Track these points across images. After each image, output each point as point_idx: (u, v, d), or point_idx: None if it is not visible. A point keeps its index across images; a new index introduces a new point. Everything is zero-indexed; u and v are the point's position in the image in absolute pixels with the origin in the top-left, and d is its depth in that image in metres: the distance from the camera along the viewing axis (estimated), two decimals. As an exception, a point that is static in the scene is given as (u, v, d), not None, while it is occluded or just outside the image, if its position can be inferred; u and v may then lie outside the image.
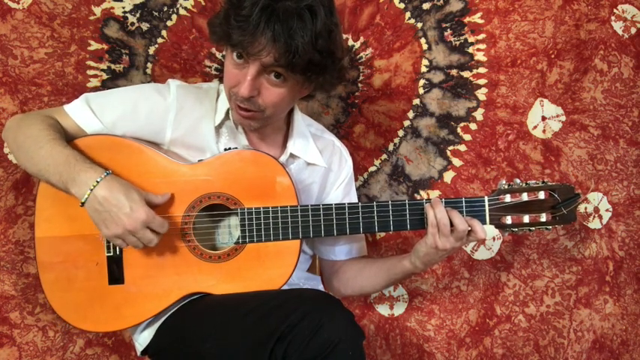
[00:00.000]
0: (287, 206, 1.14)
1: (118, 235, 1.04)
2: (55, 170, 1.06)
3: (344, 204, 1.15)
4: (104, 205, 1.03)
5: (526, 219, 1.17)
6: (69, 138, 1.13)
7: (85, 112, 1.16)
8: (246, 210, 1.13)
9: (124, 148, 1.15)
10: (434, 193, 1.55)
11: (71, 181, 1.04)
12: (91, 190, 1.03)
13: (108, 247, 1.13)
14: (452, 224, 1.10)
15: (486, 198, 1.15)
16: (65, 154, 1.06)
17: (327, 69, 1.08)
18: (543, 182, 1.17)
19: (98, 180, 1.04)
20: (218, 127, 1.20)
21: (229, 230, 1.20)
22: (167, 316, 1.17)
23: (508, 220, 1.16)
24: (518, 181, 1.16)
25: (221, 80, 1.24)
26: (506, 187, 1.16)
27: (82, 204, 1.04)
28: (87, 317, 1.15)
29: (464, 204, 1.15)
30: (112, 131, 1.15)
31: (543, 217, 1.17)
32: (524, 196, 1.16)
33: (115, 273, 1.14)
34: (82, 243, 1.12)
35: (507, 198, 1.16)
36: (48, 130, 1.10)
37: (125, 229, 1.04)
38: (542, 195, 1.17)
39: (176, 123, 1.17)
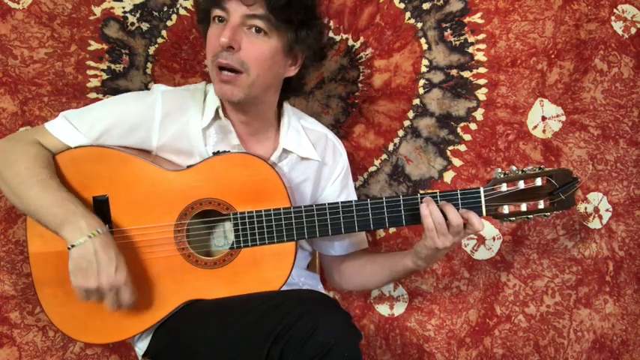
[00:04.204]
0: (280, 208, 1.12)
1: (90, 287, 1.02)
2: (48, 212, 1.05)
3: (337, 203, 1.14)
4: (94, 256, 1.02)
5: (524, 207, 1.14)
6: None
7: (67, 128, 1.15)
8: (238, 214, 1.12)
9: (111, 158, 1.14)
10: (434, 193, 1.55)
11: (67, 223, 1.03)
12: (90, 237, 1.02)
13: None
14: (446, 219, 1.09)
15: (482, 189, 1.13)
16: (60, 198, 1.05)
17: (308, 20, 1.10)
18: (540, 168, 1.14)
19: (100, 231, 1.03)
20: (206, 129, 1.18)
21: (224, 235, 1.20)
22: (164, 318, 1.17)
23: (505, 209, 1.14)
24: (514, 168, 1.14)
25: (209, 80, 1.24)
26: (502, 175, 1.14)
27: (72, 246, 1.02)
28: (87, 330, 1.15)
29: (459, 196, 1.12)
30: (97, 143, 1.15)
31: (541, 204, 1.15)
32: (521, 184, 1.13)
33: None
34: None
35: (503, 187, 1.13)
36: (35, 169, 1.08)
37: (101, 284, 1.02)
38: (539, 182, 1.14)
39: (162, 129, 1.16)
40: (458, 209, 1.10)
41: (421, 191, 1.56)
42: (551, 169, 1.15)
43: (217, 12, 1.08)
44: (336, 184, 1.31)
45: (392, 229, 1.56)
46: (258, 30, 1.07)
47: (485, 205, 1.13)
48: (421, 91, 1.54)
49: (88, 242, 1.02)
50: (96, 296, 1.04)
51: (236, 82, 1.10)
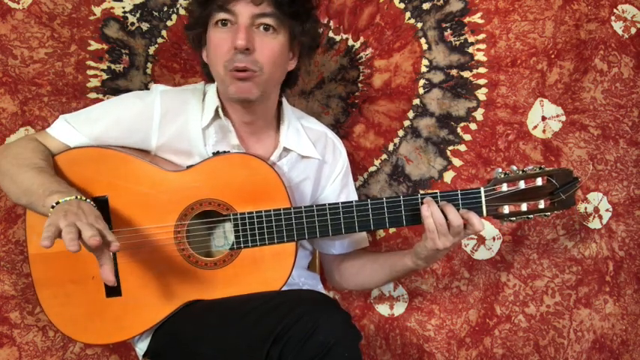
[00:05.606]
0: (280, 209, 1.12)
1: (65, 222, 0.90)
2: (39, 186, 1.01)
3: (338, 203, 1.13)
4: (79, 207, 0.96)
5: (524, 207, 1.14)
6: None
7: (67, 129, 1.15)
8: (238, 215, 1.12)
9: (110, 158, 1.14)
10: (434, 193, 1.55)
11: (58, 193, 0.99)
12: (77, 198, 0.98)
13: None
14: (446, 219, 1.09)
15: (482, 189, 1.13)
16: (55, 179, 1.04)
17: (311, 10, 1.14)
18: (540, 168, 1.14)
19: (90, 201, 1.01)
20: (205, 129, 1.18)
21: (224, 235, 1.20)
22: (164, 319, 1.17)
23: (505, 209, 1.14)
24: (514, 168, 1.14)
25: (206, 81, 1.24)
26: (502, 176, 1.13)
27: (57, 203, 0.96)
28: (87, 330, 1.15)
29: (459, 197, 1.12)
30: (96, 143, 1.15)
31: (542, 204, 1.15)
32: (522, 184, 1.13)
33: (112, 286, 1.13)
34: (77, 257, 1.09)
35: (504, 187, 1.13)
36: (34, 159, 1.08)
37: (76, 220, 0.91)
38: (539, 181, 1.14)
39: (161, 129, 1.17)
40: (458, 209, 1.10)
41: (421, 191, 1.56)
42: (551, 168, 1.15)
43: (221, 15, 1.08)
44: (336, 183, 1.31)
45: (392, 229, 1.56)
46: (267, 28, 1.09)
47: (486, 206, 1.13)
48: (421, 91, 1.54)
49: (74, 200, 0.97)
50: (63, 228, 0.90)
51: (253, 79, 1.10)
